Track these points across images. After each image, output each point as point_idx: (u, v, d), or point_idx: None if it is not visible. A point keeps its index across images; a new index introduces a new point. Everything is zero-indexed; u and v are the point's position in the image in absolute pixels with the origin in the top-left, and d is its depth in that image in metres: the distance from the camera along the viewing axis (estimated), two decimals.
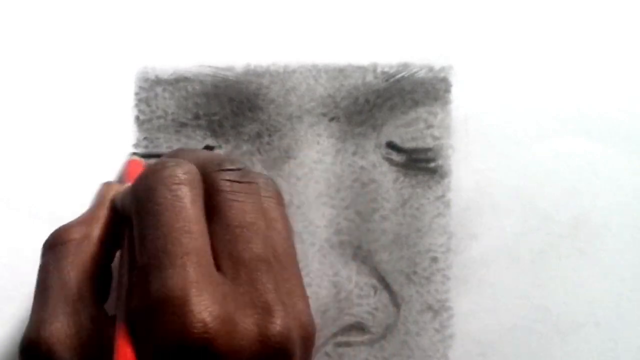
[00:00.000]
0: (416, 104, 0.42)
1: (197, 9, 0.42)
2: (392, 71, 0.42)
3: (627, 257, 0.42)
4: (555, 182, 0.42)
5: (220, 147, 0.42)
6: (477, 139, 0.42)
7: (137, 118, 0.41)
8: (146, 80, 0.41)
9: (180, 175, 0.32)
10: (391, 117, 0.42)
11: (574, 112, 0.42)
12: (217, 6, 0.42)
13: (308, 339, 0.32)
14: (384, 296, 0.41)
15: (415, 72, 0.42)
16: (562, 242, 0.42)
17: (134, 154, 0.41)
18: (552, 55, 0.42)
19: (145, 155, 0.41)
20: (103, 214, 0.36)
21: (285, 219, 0.34)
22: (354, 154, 0.42)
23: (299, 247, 0.40)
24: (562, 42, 0.43)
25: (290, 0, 0.42)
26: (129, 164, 0.41)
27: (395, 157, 0.42)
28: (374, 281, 0.41)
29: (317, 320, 0.40)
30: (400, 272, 0.42)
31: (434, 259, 0.42)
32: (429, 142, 0.42)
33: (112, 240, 0.36)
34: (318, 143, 0.41)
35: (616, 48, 0.43)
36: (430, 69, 0.42)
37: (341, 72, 0.42)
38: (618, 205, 0.42)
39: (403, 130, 0.42)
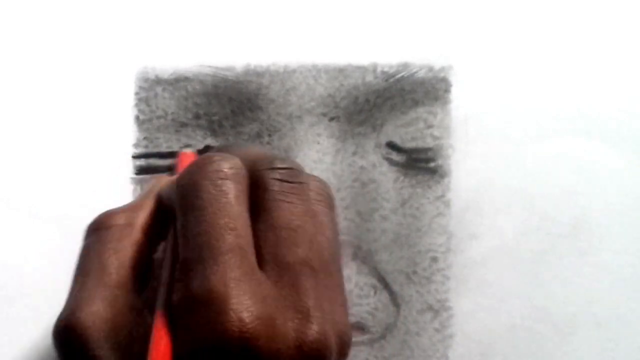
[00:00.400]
0: (416, 103, 0.42)
1: (197, 9, 0.42)
2: (392, 71, 0.42)
3: (627, 257, 0.42)
4: (555, 182, 0.42)
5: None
6: (477, 138, 0.42)
7: (137, 118, 0.41)
8: (146, 80, 0.41)
9: (225, 169, 0.32)
10: (391, 117, 0.42)
11: (574, 112, 0.43)
12: (217, 6, 0.42)
13: (343, 348, 0.32)
14: (384, 296, 0.41)
15: (415, 72, 0.42)
16: (562, 242, 0.42)
17: (187, 146, 0.41)
18: (552, 56, 0.43)
19: (145, 155, 0.41)
20: (149, 203, 0.36)
21: (334, 224, 0.34)
22: (354, 153, 0.42)
23: None
24: (562, 42, 0.43)
25: (290, 0, 0.42)
26: (181, 156, 0.40)
27: (395, 157, 0.42)
28: (374, 281, 0.41)
29: None
30: (400, 272, 0.42)
31: (434, 259, 0.42)
32: (429, 142, 0.42)
33: (155, 230, 0.35)
34: (318, 143, 0.41)
35: (616, 48, 0.43)
36: (430, 69, 0.42)
37: (341, 72, 0.42)
38: (618, 205, 0.42)
39: (403, 130, 0.42)
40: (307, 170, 0.41)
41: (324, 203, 0.34)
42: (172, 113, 0.41)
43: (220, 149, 0.35)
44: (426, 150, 0.42)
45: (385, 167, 0.42)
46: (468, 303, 0.41)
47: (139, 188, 0.41)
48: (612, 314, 0.42)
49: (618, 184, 0.42)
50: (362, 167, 0.42)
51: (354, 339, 0.42)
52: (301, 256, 0.31)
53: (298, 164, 0.34)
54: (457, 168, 0.42)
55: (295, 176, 0.33)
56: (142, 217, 0.35)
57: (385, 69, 0.42)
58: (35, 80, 0.41)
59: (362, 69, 0.42)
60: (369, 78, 0.42)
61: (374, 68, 0.42)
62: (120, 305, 0.32)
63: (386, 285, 0.41)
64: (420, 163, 0.42)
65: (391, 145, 0.42)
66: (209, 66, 0.41)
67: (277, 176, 0.32)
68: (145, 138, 0.41)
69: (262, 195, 0.32)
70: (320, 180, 0.34)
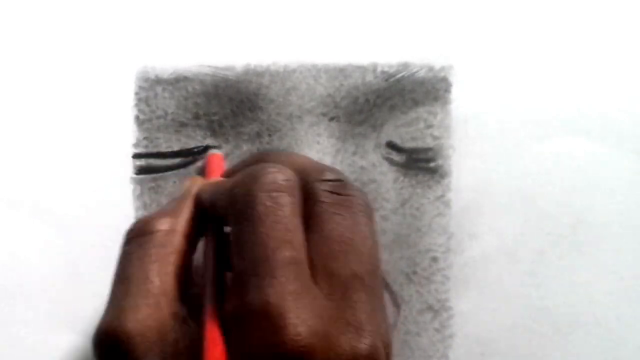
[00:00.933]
0: (416, 103, 0.42)
1: (197, 8, 0.42)
2: (392, 71, 0.42)
3: (627, 257, 0.42)
4: (555, 182, 0.42)
5: (220, 147, 0.42)
6: (477, 138, 0.42)
7: (137, 118, 0.41)
8: (146, 79, 0.41)
9: (281, 182, 0.31)
10: (391, 116, 0.42)
11: (574, 112, 0.43)
12: (217, 6, 0.42)
13: (389, 359, 0.32)
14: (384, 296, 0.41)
15: (415, 72, 0.42)
16: (562, 242, 0.42)
17: (214, 147, 0.41)
18: (552, 56, 0.43)
19: (145, 155, 0.41)
20: (188, 207, 0.35)
21: (375, 235, 0.33)
22: (354, 153, 0.42)
23: None
24: (562, 42, 0.43)
25: (290, 0, 0.42)
26: (211, 158, 0.41)
27: (395, 157, 0.42)
28: None
29: None
30: (400, 272, 0.42)
31: (434, 259, 0.42)
32: (429, 142, 0.42)
33: (195, 234, 0.35)
34: (318, 143, 0.41)
35: (616, 48, 0.43)
36: (430, 69, 0.42)
37: (341, 71, 0.42)
38: (618, 205, 0.42)
39: (403, 130, 0.42)
40: None
41: (366, 214, 0.33)
42: (172, 113, 0.41)
43: (262, 158, 0.35)
44: (426, 150, 0.42)
45: (385, 167, 0.42)
46: (468, 303, 0.41)
47: (139, 188, 0.41)
48: (612, 314, 0.42)
49: (618, 184, 0.42)
50: (362, 167, 0.42)
51: None
52: (353, 269, 0.31)
53: (344, 174, 0.34)
54: (457, 168, 0.42)
55: (344, 188, 0.33)
56: (182, 223, 0.35)
57: (386, 69, 0.42)
58: (35, 80, 0.41)
59: (362, 69, 0.42)
60: (369, 78, 0.42)
61: (374, 68, 0.42)
62: (165, 314, 0.32)
63: (386, 286, 0.41)
64: (421, 163, 0.42)
65: (391, 145, 0.42)
66: (209, 66, 0.41)
67: (328, 188, 0.32)
68: (145, 138, 0.41)
69: (313, 207, 0.32)
70: (362, 192, 0.34)
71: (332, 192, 0.32)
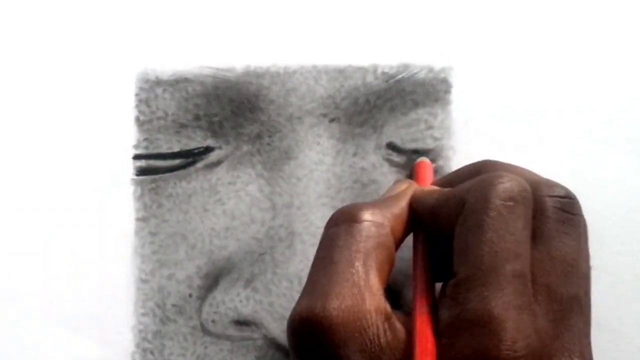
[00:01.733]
0: (416, 105, 0.42)
1: (198, 10, 0.42)
2: (392, 72, 0.42)
3: (626, 257, 0.42)
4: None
5: (220, 148, 0.42)
6: (477, 140, 0.42)
7: (138, 119, 0.41)
8: (147, 81, 0.41)
9: (518, 192, 0.31)
10: (391, 118, 0.42)
11: (574, 112, 0.42)
12: (218, 7, 0.42)
13: None
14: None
15: (416, 73, 0.42)
16: None
17: (422, 153, 0.41)
18: (552, 56, 0.42)
19: (145, 156, 0.41)
20: (401, 206, 0.35)
21: (589, 258, 0.33)
22: (354, 154, 0.42)
23: (299, 249, 0.40)
24: (562, 42, 0.43)
25: (290, 1, 0.42)
26: (419, 165, 0.41)
27: (396, 158, 0.42)
28: None
29: None
30: (400, 272, 0.42)
31: None
32: (430, 143, 0.42)
33: (402, 235, 0.35)
34: (318, 144, 0.41)
35: (616, 48, 0.43)
36: (431, 70, 0.42)
37: (341, 73, 0.41)
38: (618, 205, 0.42)
39: (403, 131, 0.42)
40: (307, 171, 0.41)
41: (587, 236, 0.33)
42: (173, 114, 0.41)
43: (492, 166, 0.35)
44: (427, 151, 0.42)
45: (385, 168, 0.42)
46: None
47: (139, 189, 0.41)
48: (612, 314, 0.42)
49: (618, 184, 0.42)
50: (362, 168, 0.42)
51: None
52: (574, 292, 0.31)
53: (573, 193, 0.33)
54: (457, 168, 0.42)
55: (573, 207, 0.32)
56: (392, 219, 0.34)
57: (386, 70, 0.42)
58: (36, 81, 0.41)
59: (362, 70, 0.42)
60: (370, 79, 0.42)
61: (374, 69, 0.42)
62: (370, 307, 0.31)
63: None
64: None
65: (392, 147, 0.42)
66: (210, 67, 0.41)
67: (559, 205, 0.32)
68: (145, 139, 0.41)
69: (541, 222, 0.32)
70: (582, 214, 0.33)
71: (561, 210, 0.32)
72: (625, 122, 0.43)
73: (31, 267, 0.41)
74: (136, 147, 0.41)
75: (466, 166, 0.38)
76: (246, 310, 0.41)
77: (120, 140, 0.41)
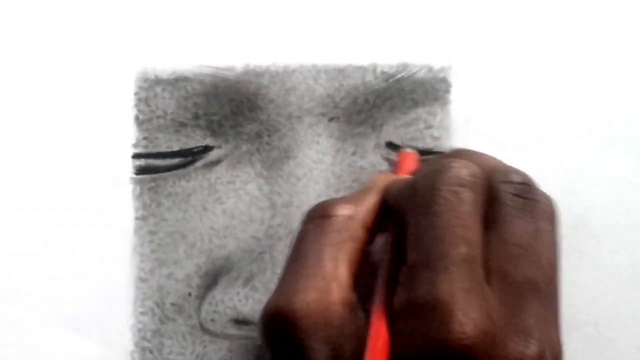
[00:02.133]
0: (416, 104, 0.42)
1: (197, 8, 0.42)
2: (391, 71, 0.42)
3: (627, 257, 0.42)
4: (555, 182, 0.42)
5: (219, 147, 0.42)
6: (477, 139, 0.42)
7: (137, 118, 0.41)
8: (146, 80, 0.41)
9: (466, 177, 0.31)
10: (391, 117, 0.42)
11: (575, 112, 0.42)
12: (217, 6, 0.42)
13: None
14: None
15: (415, 72, 0.42)
16: (562, 243, 0.42)
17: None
18: (552, 56, 0.42)
19: (145, 155, 0.41)
20: (372, 199, 0.35)
21: (556, 244, 0.33)
22: (354, 154, 0.42)
23: None
24: (562, 42, 0.43)
25: (290, 0, 0.42)
26: (402, 156, 0.40)
27: (395, 157, 0.42)
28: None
29: None
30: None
31: None
32: (429, 143, 0.42)
33: (374, 227, 0.35)
34: (317, 143, 0.41)
35: (616, 48, 0.43)
36: (430, 69, 0.42)
37: (341, 72, 0.41)
38: (618, 205, 0.42)
39: (403, 130, 0.42)
40: (307, 170, 0.41)
41: (550, 221, 0.33)
42: (172, 113, 0.41)
43: (451, 155, 0.35)
44: (426, 151, 0.42)
45: (385, 167, 0.42)
46: None
47: (138, 188, 0.41)
48: (612, 314, 0.42)
49: (618, 184, 0.42)
50: (361, 167, 0.42)
51: None
52: (528, 275, 0.31)
53: (531, 178, 0.33)
54: None
55: (529, 192, 0.32)
56: (364, 211, 0.35)
57: (385, 69, 0.42)
58: (34, 80, 0.41)
59: (361, 69, 0.42)
60: (369, 78, 0.42)
61: (373, 68, 0.42)
62: (335, 299, 0.32)
63: None
64: None
65: (391, 146, 0.42)
66: (209, 66, 0.41)
67: (512, 190, 0.32)
68: (144, 138, 0.41)
69: (495, 208, 0.32)
70: (548, 197, 0.34)
71: (516, 195, 0.32)
72: (625, 122, 0.43)
73: (31, 266, 0.41)
74: (135, 146, 0.41)
75: (441, 154, 0.39)
76: (245, 309, 0.41)
77: (120, 139, 0.41)
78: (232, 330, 0.41)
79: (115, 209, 0.41)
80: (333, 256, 0.33)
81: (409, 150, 0.41)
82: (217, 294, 0.41)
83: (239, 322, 0.41)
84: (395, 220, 0.34)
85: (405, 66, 0.42)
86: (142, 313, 0.41)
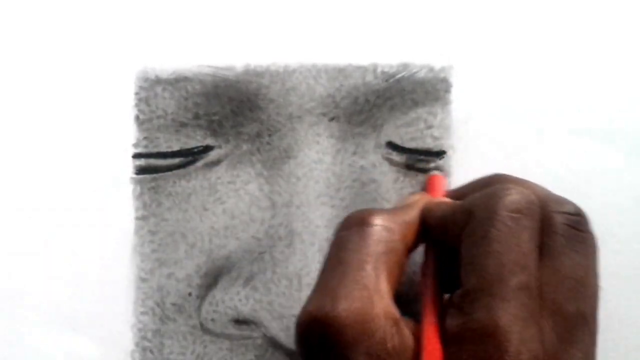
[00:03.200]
0: (416, 104, 0.42)
1: (198, 8, 0.42)
2: (392, 71, 0.42)
3: (627, 257, 0.42)
4: (556, 182, 0.42)
5: (220, 146, 0.41)
6: (477, 139, 0.42)
7: (137, 117, 0.41)
8: (146, 79, 0.41)
9: (524, 205, 0.31)
10: (391, 117, 0.42)
11: (574, 112, 0.43)
12: (217, 6, 0.42)
13: None
14: None
15: (415, 72, 0.42)
16: None
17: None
18: (553, 56, 0.42)
19: (145, 155, 0.41)
20: (412, 215, 0.36)
21: (598, 276, 0.33)
22: (354, 153, 0.42)
23: (298, 248, 0.40)
24: (563, 42, 0.43)
25: (290, 0, 0.42)
26: (432, 179, 0.41)
27: (396, 157, 0.42)
28: None
29: None
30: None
31: None
32: (429, 143, 0.42)
33: (413, 244, 0.35)
34: (318, 143, 0.41)
35: (616, 48, 0.43)
36: (431, 69, 0.42)
37: (341, 72, 0.41)
38: (618, 205, 0.42)
39: (403, 130, 0.42)
40: (307, 170, 0.41)
41: (596, 255, 0.33)
42: (172, 113, 0.41)
43: (502, 178, 0.36)
44: (426, 150, 0.42)
45: (385, 167, 0.42)
46: None
47: (138, 188, 0.41)
48: (612, 313, 0.42)
49: (618, 184, 0.42)
50: (362, 167, 0.42)
51: None
52: (580, 309, 0.31)
53: (582, 210, 0.33)
54: (457, 168, 0.42)
55: (581, 224, 0.32)
56: (404, 226, 0.35)
57: (386, 69, 0.42)
58: (35, 80, 0.41)
59: (362, 69, 0.42)
60: (369, 78, 0.42)
61: (374, 68, 0.42)
62: (378, 311, 0.31)
63: None
64: (421, 163, 0.42)
65: (391, 146, 0.42)
66: (209, 66, 0.41)
67: (566, 221, 0.32)
68: (145, 138, 0.41)
69: (549, 239, 0.32)
70: (593, 232, 0.34)
71: (570, 227, 0.32)
72: (625, 122, 0.43)
73: (31, 266, 0.41)
74: (136, 145, 0.41)
75: (478, 179, 0.38)
76: (245, 309, 0.41)
77: (120, 139, 0.41)
78: (232, 330, 0.41)
79: (115, 208, 0.41)
80: (374, 267, 0.32)
81: (436, 172, 0.41)
82: (218, 293, 0.41)
83: (239, 321, 0.41)
84: (435, 243, 0.35)
85: (405, 66, 0.42)
86: (142, 313, 0.41)
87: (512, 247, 0.30)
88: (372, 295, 0.31)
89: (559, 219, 0.32)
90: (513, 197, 0.31)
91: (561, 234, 0.32)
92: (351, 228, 0.34)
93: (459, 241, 0.32)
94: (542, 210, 0.32)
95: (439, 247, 0.35)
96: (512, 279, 0.30)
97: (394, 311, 0.32)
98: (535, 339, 0.29)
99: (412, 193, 0.40)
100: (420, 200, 0.37)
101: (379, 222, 0.34)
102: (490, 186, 0.34)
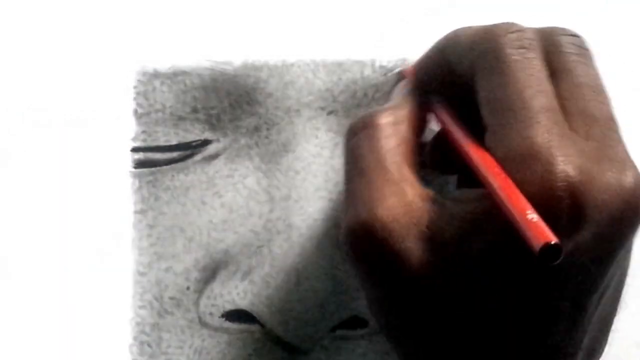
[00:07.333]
0: None
1: (197, 3, 0.42)
2: (390, 65, 0.42)
3: None
4: None
5: (218, 140, 0.41)
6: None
7: (136, 111, 0.41)
8: (144, 73, 0.41)
9: (526, 38, 0.32)
10: None
11: None
12: (216, 0, 0.42)
13: None
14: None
15: None
16: None
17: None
18: None
19: (143, 149, 0.41)
20: (408, 102, 0.37)
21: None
22: None
23: (297, 241, 0.40)
24: None
25: None
26: (406, 71, 0.41)
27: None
28: None
29: (315, 314, 0.40)
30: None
31: None
32: (427, 136, 0.42)
33: (420, 125, 0.36)
34: (316, 137, 0.41)
35: (616, 48, 0.43)
36: None
37: (339, 66, 0.41)
38: None
39: None
40: (305, 164, 0.41)
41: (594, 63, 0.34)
42: (170, 107, 0.41)
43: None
44: (424, 144, 0.42)
45: None
46: None
47: (137, 181, 0.41)
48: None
49: None
50: None
51: (352, 333, 0.42)
52: (608, 112, 0.32)
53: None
54: None
55: (584, 43, 0.34)
56: (406, 114, 0.36)
57: (384, 63, 0.42)
58: (33, 74, 0.41)
59: (360, 63, 0.42)
60: (368, 72, 0.42)
61: (372, 62, 0.42)
62: (412, 197, 0.32)
63: None
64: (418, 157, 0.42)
65: None
66: (207, 60, 0.41)
67: (573, 41, 0.33)
68: (143, 132, 0.41)
69: (559, 58, 0.33)
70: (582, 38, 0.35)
71: (576, 45, 0.33)
72: (625, 122, 0.43)
73: (28, 260, 0.41)
74: (134, 139, 0.41)
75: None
76: (244, 302, 0.40)
77: (118, 132, 0.41)
78: (230, 324, 0.41)
79: (113, 202, 0.41)
80: (393, 161, 0.33)
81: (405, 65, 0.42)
82: (216, 287, 0.41)
83: (238, 315, 0.41)
84: (438, 101, 0.36)
85: (403, 61, 0.42)
86: (140, 307, 0.41)
87: (526, 77, 0.31)
88: (401, 186, 0.33)
89: (565, 40, 0.33)
90: (514, 34, 0.32)
91: (571, 52, 0.33)
92: (358, 133, 0.35)
93: (470, 85, 0.33)
94: (548, 36, 0.33)
95: (444, 104, 0.36)
96: (535, 104, 0.30)
97: (427, 191, 0.33)
98: (574, 151, 0.29)
99: (402, 83, 0.40)
100: (403, 85, 0.38)
101: (382, 119, 0.35)
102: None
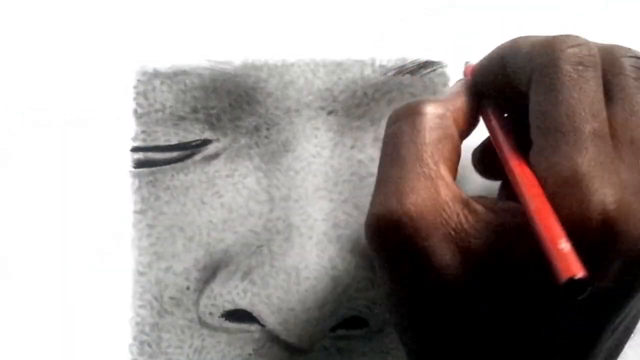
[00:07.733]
0: (414, 97, 0.42)
1: (197, 2, 0.42)
2: (390, 65, 0.42)
3: None
4: None
5: (218, 140, 0.41)
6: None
7: (136, 111, 0.41)
8: (144, 73, 0.41)
9: (586, 55, 0.31)
10: (389, 110, 0.41)
11: None
12: (216, 0, 0.42)
13: None
14: (383, 290, 0.41)
15: (413, 66, 0.42)
16: None
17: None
18: None
19: (143, 149, 0.41)
20: (461, 98, 0.35)
21: None
22: (352, 147, 0.42)
23: (297, 241, 0.40)
24: None
25: None
26: (468, 67, 0.39)
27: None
28: (372, 275, 0.41)
29: (315, 314, 0.40)
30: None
31: None
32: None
33: (466, 127, 0.35)
34: (316, 136, 0.41)
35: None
36: (428, 63, 0.42)
37: (339, 65, 0.41)
38: None
39: None
40: (305, 164, 0.41)
41: None
42: (170, 106, 0.41)
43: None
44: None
45: None
46: None
47: (137, 181, 0.41)
48: None
49: None
50: (360, 161, 0.42)
51: (352, 333, 0.42)
52: None
53: None
54: None
55: None
56: (453, 109, 0.34)
57: (384, 63, 0.42)
58: (33, 74, 0.41)
59: (360, 63, 0.42)
60: (367, 72, 0.42)
61: (372, 62, 0.42)
62: (445, 196, 0.31)
63: None
64: None
65: None
66: (207, 60, 0.41)
67: (634, 63, 0.32)
68: (143, 131, 0.41)
69: (618, 81, 0.32)
70: None
71: (637, 68, 0.32)
72: None
73: (28, 260, 0.41)
74: (134, 139, 0.41)
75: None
76: (243, 302, 0.40)
77: (118, 132, 0.41)
78: (230, 324, 0.41)
79: (113, 202, 0.41)
80: (432, 155, 0.32)
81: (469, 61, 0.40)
82: (216, 287, 0.41)
83: (237, 315, 0.41)
84: (492, 105, 0.35)
85: (403, 60, 0.42)
86: (140, 306, 0.41)
87: (580, 96, 0.30)
88: (436, 183, 0.31)
89: (627, 62, 0.32)
90: (573, 49, 0.31)
91: (631, 76, 0.32)
92: (402, 120, 0.33)
93: (525, 95, 0.32)
94: (609, 55, 0.32)
95: (500, 108, 0.35)
96: (586, 127, 0.30)
97: (461, 193, 0.31)
98: (616, 182, 0.29)
99: (458, 80, 0.38)
100: (465, 83, 0.36)
101: (430, 110, 0.33)
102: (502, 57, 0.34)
